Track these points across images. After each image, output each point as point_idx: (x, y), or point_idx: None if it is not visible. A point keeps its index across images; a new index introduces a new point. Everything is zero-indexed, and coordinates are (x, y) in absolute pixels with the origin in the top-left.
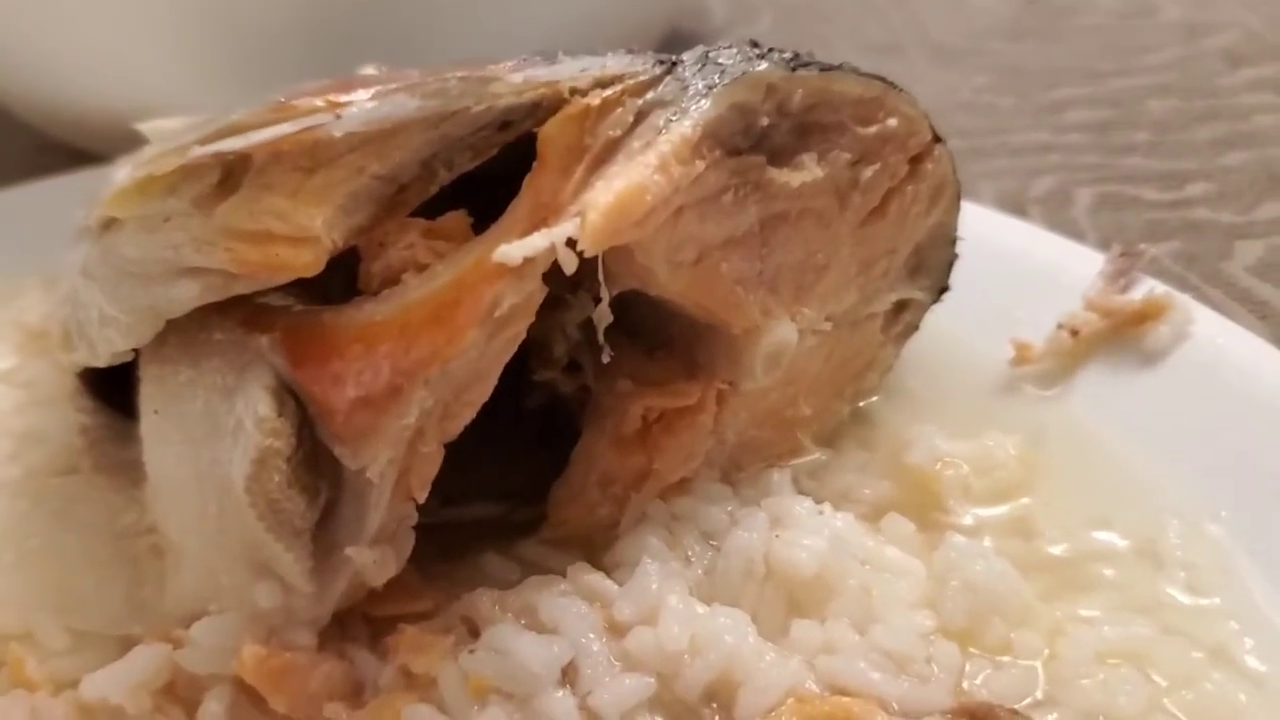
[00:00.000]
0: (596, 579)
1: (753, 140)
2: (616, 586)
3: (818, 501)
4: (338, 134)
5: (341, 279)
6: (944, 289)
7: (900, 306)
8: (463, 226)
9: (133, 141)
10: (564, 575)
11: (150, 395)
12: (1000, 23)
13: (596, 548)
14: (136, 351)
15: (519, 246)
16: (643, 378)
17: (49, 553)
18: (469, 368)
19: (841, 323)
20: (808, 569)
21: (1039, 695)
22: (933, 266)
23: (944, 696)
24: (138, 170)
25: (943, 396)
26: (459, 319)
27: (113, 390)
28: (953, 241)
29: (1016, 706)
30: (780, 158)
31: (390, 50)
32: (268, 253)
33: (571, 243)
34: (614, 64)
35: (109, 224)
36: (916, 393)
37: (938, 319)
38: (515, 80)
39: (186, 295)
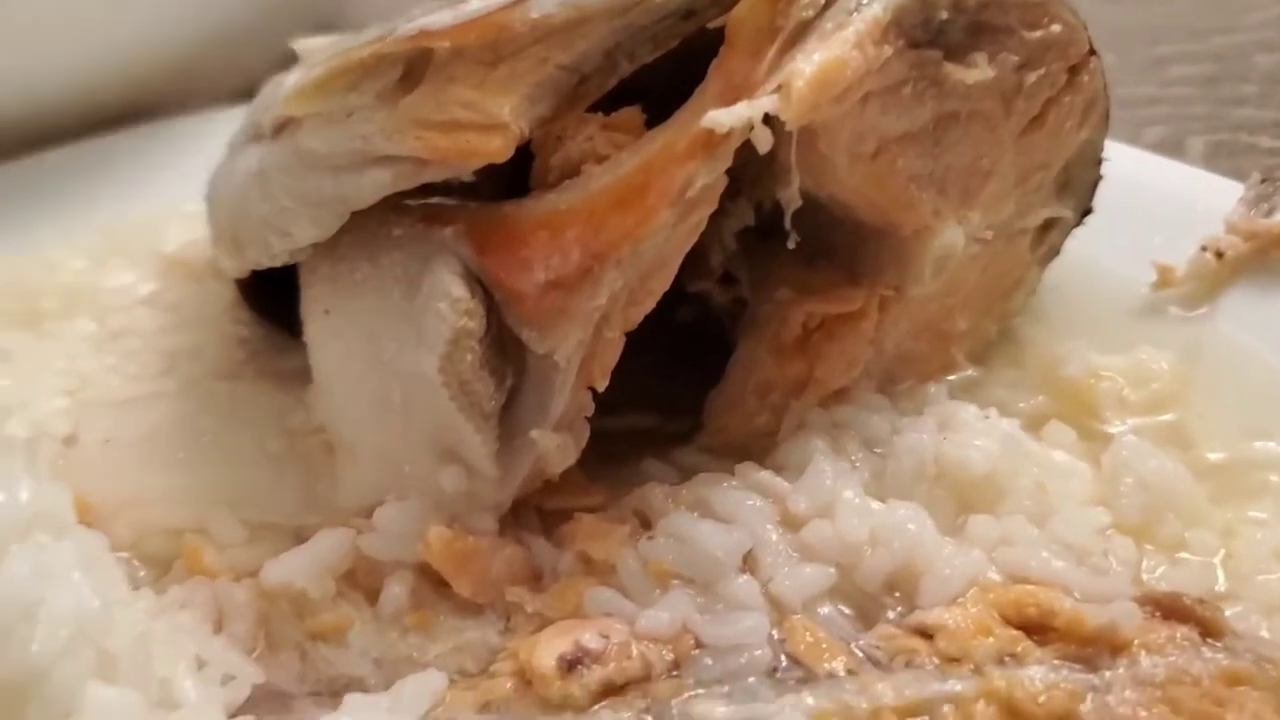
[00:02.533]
0: (767, 476)
1: (930, 34)
2: (787, 483)
3: None
4: (549, 8)
5: (503, 181)
6: (1088, 210)
7: (1046, 226)
8: (637, 121)
9: None
10: (723, 473)
11: (320, 296)
12: None
13: (754, 455)
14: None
15: (728, 114)
16: (803, 286)
17: (220, 450)
18: (656, 251)
19: (999, 234)
20: (979, 468)
21: (1219, 589)
22: (1079, 186)
23: (1125, 586)
24: (314, 70)
25: (1087, 318)
26: (650, 200)
27: (267, 305)
28: (1099, 162)
29: None
30: (955, 54)
31: None
32: (458, 139)
33: (767, 121)
34: None
35: (285, 124)
36: (1059, 314)
37: (1075, 245)
38: None
39: (377, 183)
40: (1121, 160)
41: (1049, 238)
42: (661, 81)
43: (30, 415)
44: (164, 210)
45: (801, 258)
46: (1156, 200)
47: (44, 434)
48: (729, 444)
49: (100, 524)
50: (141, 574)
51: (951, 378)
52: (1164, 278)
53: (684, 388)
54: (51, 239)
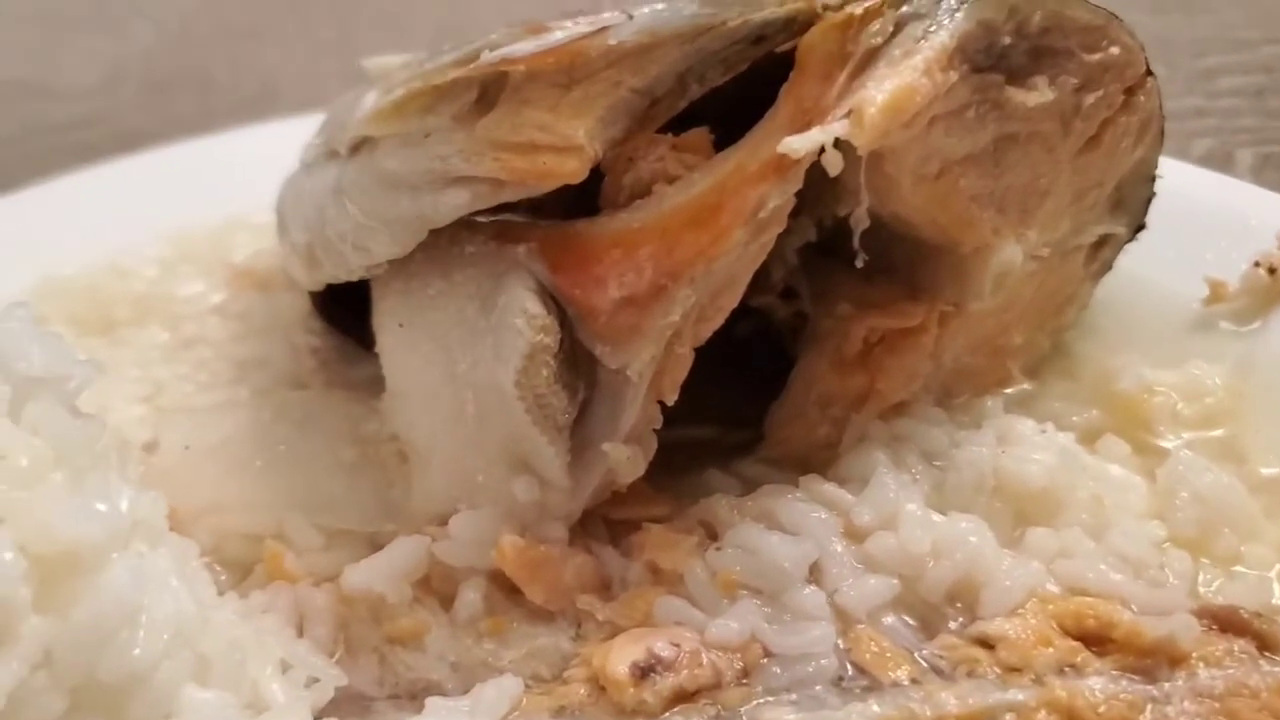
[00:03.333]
0: (830, 489)
1: (993, 59)
2: (850, 496)
3: None
4: (625, 36)
5: (571, 197)
6: (1141, 226)
7: (1100, 242)
8: (706, 142)
9: None
10: (788, 486)
11: (394, 309)
12: None
13: (815, 466)
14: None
15: (802, 139)
16: (863, 301)
17: (296, 458)
18: (727, 270)
19: (1055, 251)
20: (1037, 481)
21: (1276, 603)
22: (1132, 203)
23: (1183, 599)
24: (392, 92)
25: (1139, 332)
26: (723, 219)
27: (337, 316)
28: (1152, 179)
29: None
30: (1016, 78)
31: None
32: (534, 161)
33: (838, 145)
34: None
35: (362, 144)
36: (1111, 329)
37: (1126, 260)
38: None
39: (455, 202)
40: (1173, 175)
41: (1102, 254)
42: (727, 101)
43: (111, 421)
44: (231, 221)
45: (862, 273)
46: (1208, 215)
47: (126, 441)
48: (790, 455)
49: (182, 529)
50: (223, 578)
51: (1007, 391)
52: (1216, 293)
53: (744, 400)
54: (123, 246)
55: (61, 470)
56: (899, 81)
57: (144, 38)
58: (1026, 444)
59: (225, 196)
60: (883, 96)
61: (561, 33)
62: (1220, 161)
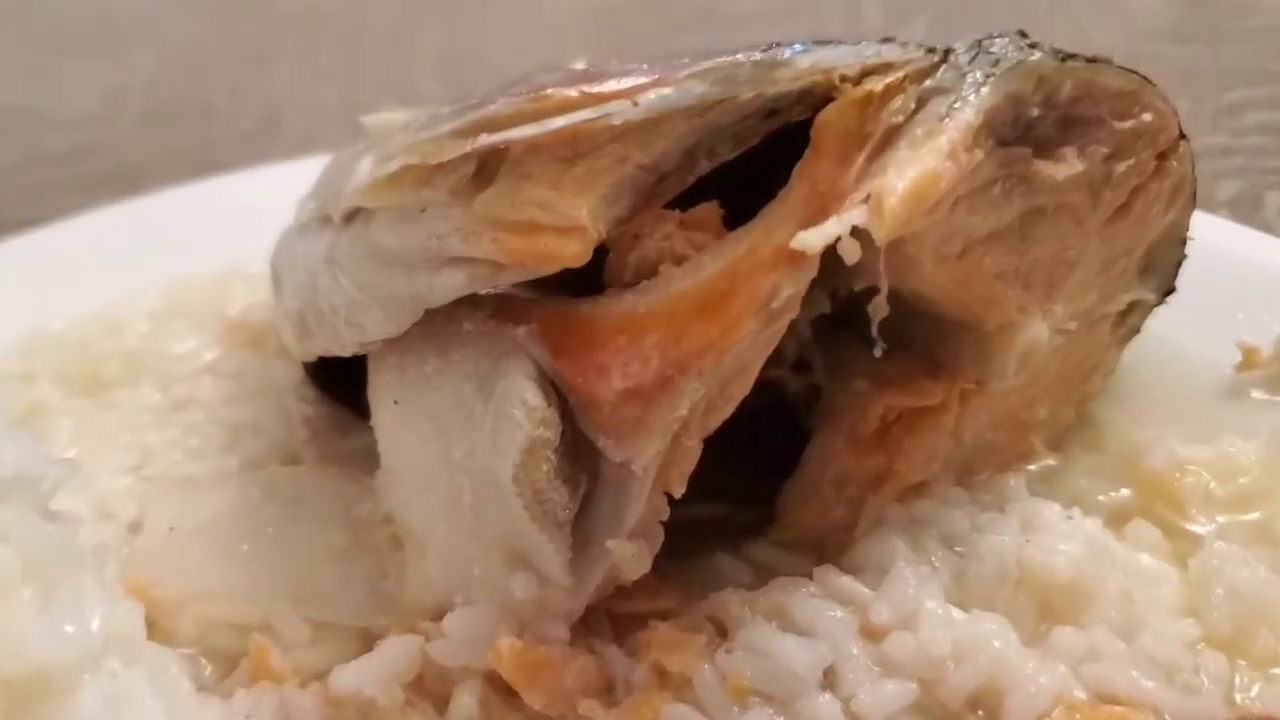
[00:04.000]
0: (847, 582)
1: (1020, 131)
2: (868, 590)
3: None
4: (634, 119)
5: (576, 273)
6: (1170, 290)
7: (1128, 309)
8: (715, 218)
9: None
10: (801, 578)
11: (388, 385)
12: (1164, 25)
13: (829, 550)
14: None
15: (817, 234)
16: (880, 377)
17: (285, 543)
18: (738, 359)
19: (1081, 322)
20: (1063, 574)
21: None
22: (1162, 266)
23: (1217, 707)
24: (388, 162)
25: (1167, 400)
26: (734, 309)
27: (331, 383)
28: (1183, 241)
29: None
30: (1043, 149)
31: None
32: (535, 242)
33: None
34: (884, 51)
35: (356, 214)
36: (1138, 396)
37: (1153, 322)
38: (803, 65)
39: (451, 284)
40: (1202, 229)
41: (1130, 319)
42: (734, 170)
43: (94, 493)
44: (227, 270)
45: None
46: (1239, 274)
47: (109, 516)
48: (804, 538)
49: (166, 618)
50: (207, 672)
51: (1031, 468)
52: (1249, 359)
53: (753, 475)
54: (116, 296)
55: (31, 584)
56: (921, 167)
57: (145, 64)
58: (1052, 532)
59: (221, 243)
60: (904, 184)
61: (562, 119)
62: (1248, 205)
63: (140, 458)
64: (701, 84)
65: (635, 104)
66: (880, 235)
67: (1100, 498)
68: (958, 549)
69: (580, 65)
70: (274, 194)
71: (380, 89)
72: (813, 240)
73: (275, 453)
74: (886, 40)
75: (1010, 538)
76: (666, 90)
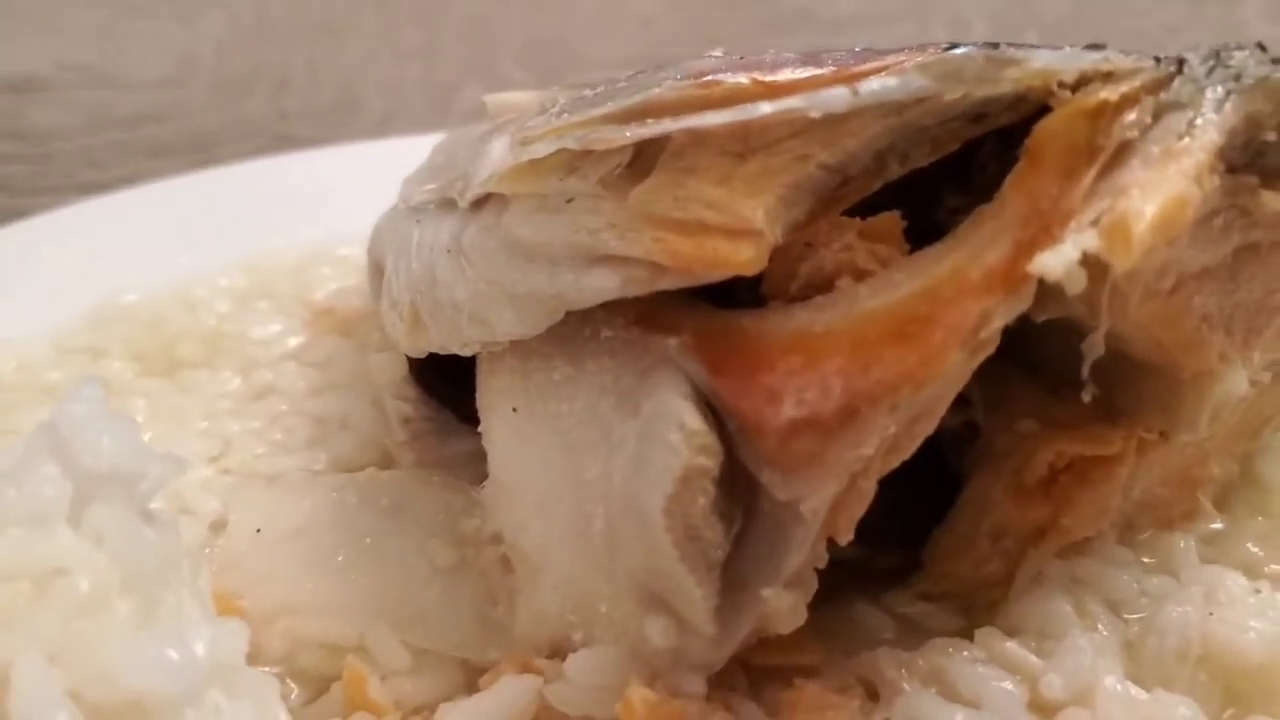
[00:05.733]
0: (1013, 648)
1: (1249, 157)
2: (1037, 659)
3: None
4: (844, 110)
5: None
6: None
7: None
8: (897, 229)
9: None
10: (960, 639)
11: (506, 390)
12: None
13: (979, 607)
14: None
15: (1058, 257)
16: (1048, 419)
17: (383, 556)
18: (933, 394)
19: (1274, 374)
20: (1253, 655)
21: None
22: None
23: None
24: (530, 146)
25: None
26: (936, 337)
27: (432, 378)
28: None
29: None
30: (1270, 179)
31: None
32: (702, 245)
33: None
34: (1110, 57)
35: (486, 200)
36: None
37: None
38: (1035, 65)
39: (602, 285)
40: None
41: None
42: None
43: (174, 487)
44: (311, 251)
45: (1044, 386)
46: None
47: (188, 511)
48: (951, 591)
49: (254, 631)
50: (293, 695)
51: (1196, 526)
52: None
53: (891, 515)
54: (193, 272)
55: (128, 598)
56: (1170, 190)
57: (217, 28)
58: (1239, 606)
59: (303, 221)
60: (1153, 209)
61: (747, 106)
62: None
63: (220, 447)
64: (923, 77)
65: (856, 92)
66: (1122, 264)
67: (1275, 566)
68: (1126, 615)
69: (717, 53)
70: (360, 172)
71: (462, 71)
72: (1055, 264)
73: (366, 452)
74: (1094, 46)
75: (1193, 609)
76: (891, 81)
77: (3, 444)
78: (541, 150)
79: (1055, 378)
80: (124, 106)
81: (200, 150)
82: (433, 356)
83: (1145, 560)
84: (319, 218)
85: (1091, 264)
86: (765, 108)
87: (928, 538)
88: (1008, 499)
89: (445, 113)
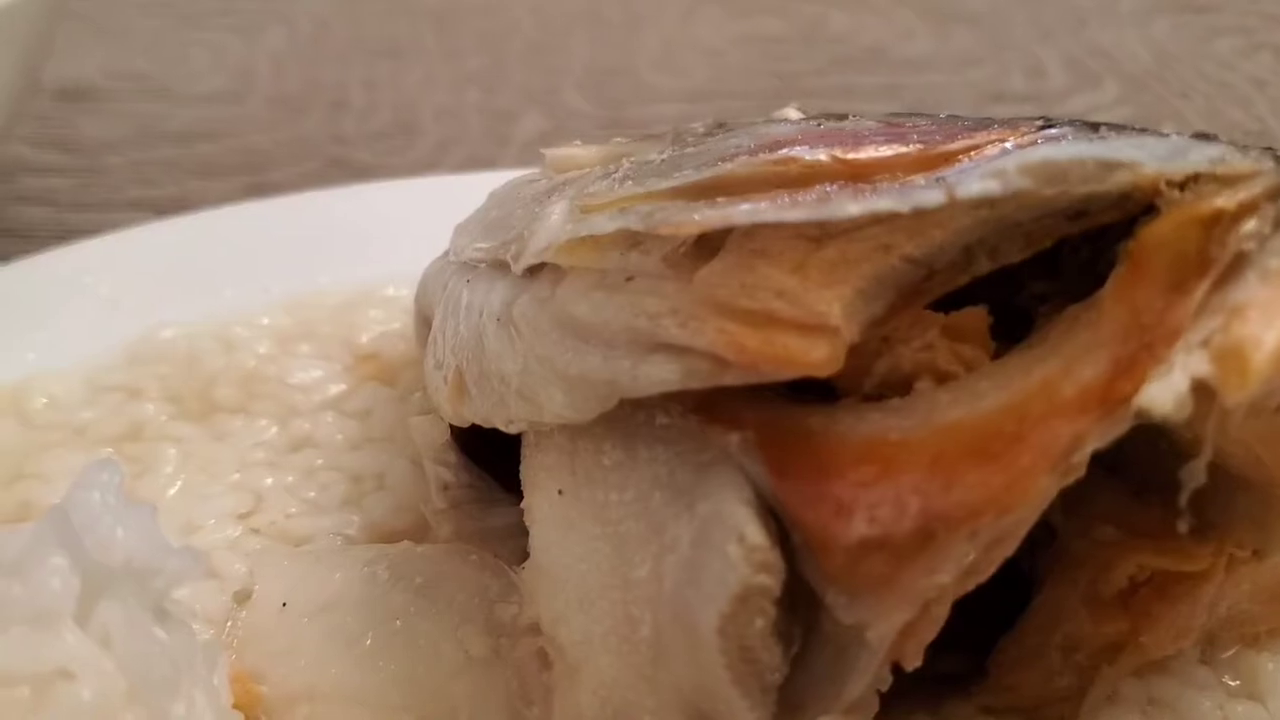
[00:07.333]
0: None
1: None
2: None
3: None
4: (933, 208)
5: None
6: None
7: None
8: (983, 327)
9: None
10: None
11: (552, 470)
12: None
13: None
14: None
15: (1168, 390)
16: (1131, 526)
17: (413, 641)
18: (1016, 519)
19: None
20: None
21: None
22: None
23: None
24: (589, 217)
25: None
26: (1024, 459)
27: (475, 443)
28: None
29: None
30: None
31: None
32: (772, 340)
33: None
34: (1227, 155)
35: (541, 268)
36: None
37: None
38: (1147, 170)
39: (660, 376)
40: None
41: None
42: None
43: (197, 542)
44: (358, 291)
45: (1128, 489)
46: None
47: (214, 576)
48: (1019, 705)
49: (272, 715)
50: None
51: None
52: None
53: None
54: (232, 305)
55: (134, 709)
56: None
57: (276, 42)
58: None
59: (353, 259)
60: (1274, 335)
61: (827, 189)
62: None
63: (251, 503)
64: (1026, 179)
65: (952, 196)
66: (1236, 396)
67: None
68: None
69: (792, 112)
70: (413, 209)
71: (523, 98)
72: (1162, 398)
73: (403, 515)
74: (1203, 135)
75: None
76: (992, 184)
77: (28, 489)
78: (603, 225)
79: (1141, 481)
80: (177, 121)
81: (252, 171)
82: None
83: (1229, 683)
84: (368, 255)
85: (1199, 389)
86: (852, 207)
87: (995, 643)
88: (1083, 609)
89: (504, 141)
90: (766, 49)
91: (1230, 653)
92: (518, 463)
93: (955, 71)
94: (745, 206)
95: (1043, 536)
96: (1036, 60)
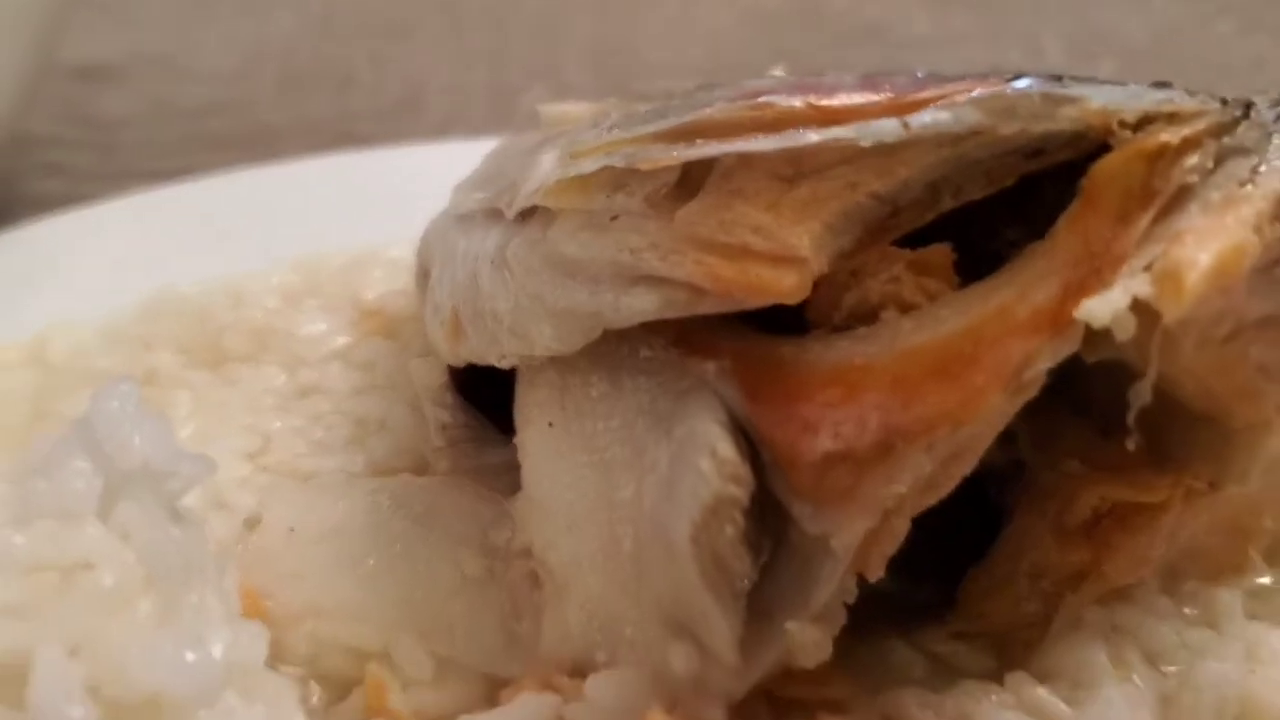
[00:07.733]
0: (1043, 694)
1: None
2: (1067, 709)
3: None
4: (894, 141)
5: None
6: None
7: None
8: (947, 263)
9: None
10: (990, 683)
11: (543, 404)
12: None
13: (1014, 647)
14: None
15: (1105, 304)
16: (1095, 461)
17: (413, 563)
18: (971, 434)
19: None
20: None
21: None
22: None
23: None
24: (578, 161)
25: None
26: (978, 377)
27: (473, 388)
28: None
29: None
30: None
31: None
32: (745, 270)
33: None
34: (1174, 97)
35: (532, 213)
36: None
37: None
38: (1093, 105)
39: (641, 306)
40: None
41: None
42: None
43: (212, 482)
44: (364, 252)
45: (1093, 427)
46: None
47: (224, 506)
48: (988, 630)
49: (279, 630)
50: (315, 697)
51: (1242, 580)
52: None
53: (927, 547)
54: (243, 263)
55: (151, 595)
56: (1227, 239)
57: (285, 23)
58: None
59: (358, 221)
60: (1208, 258)
61: (797, 131)
62: None
63: (260, 444)
64: (977, 112)
65: (907, 125)
66: (1172, 313)
67: None
68: (1164, 668)
69: (778, 72)
70: (417, 175)
71: (527, 75)
72: (1101, 311)
73: (402, 456)
74: (1160, 84)
75: (1232, 666)
76: (943, 114)
77: (46, 427)
78: (589, 166)
79: (1106, 419)
80: (191, 98)
81: (263, 145)
82: (472, 365)
83: (1187, 611)
84: (374, 218)
85: (1142, 310)
86: (813, 136)
87: (966, 574)
88: (1050, 538)
89: (508, 116)
90: (766, 27)
91: (1191, 585)
92: (511, 405)
93: (952, 49)
94: (718, 143)
95: (1013, 472)
96: (1035, 39)
